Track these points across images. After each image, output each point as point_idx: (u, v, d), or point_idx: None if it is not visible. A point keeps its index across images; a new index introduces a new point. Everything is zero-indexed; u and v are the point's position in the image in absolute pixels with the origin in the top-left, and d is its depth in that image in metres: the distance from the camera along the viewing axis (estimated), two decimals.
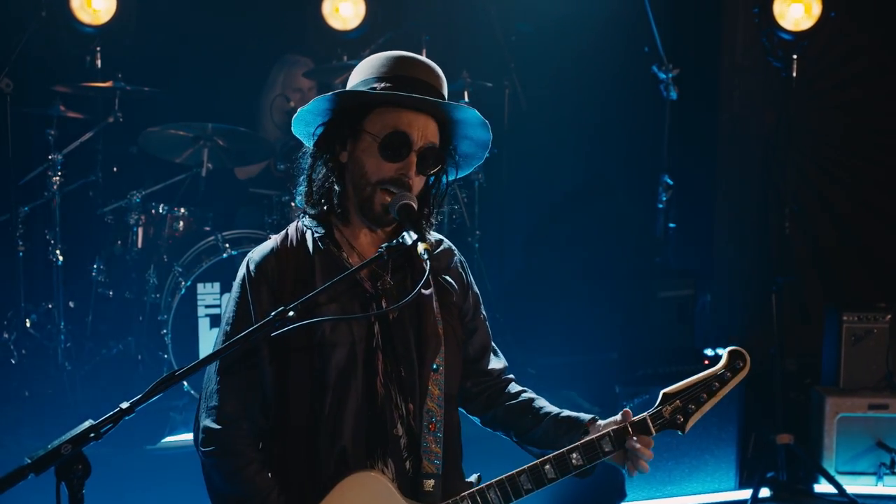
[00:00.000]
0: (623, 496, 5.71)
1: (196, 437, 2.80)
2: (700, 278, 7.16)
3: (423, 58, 2.85)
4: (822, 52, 7.00)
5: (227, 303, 2.88)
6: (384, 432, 2.74)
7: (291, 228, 2.91)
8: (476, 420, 3.09)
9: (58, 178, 6.19)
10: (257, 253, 2.89)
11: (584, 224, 7.56)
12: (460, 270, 3.02)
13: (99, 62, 6.68)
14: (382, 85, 2.74)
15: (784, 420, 6.17)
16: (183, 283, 5.83)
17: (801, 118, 6.86)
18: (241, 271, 2.87)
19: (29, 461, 2.20)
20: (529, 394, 3.04)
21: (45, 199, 6.29)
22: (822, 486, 6.05)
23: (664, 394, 2.81)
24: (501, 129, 7.03)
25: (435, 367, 2.81)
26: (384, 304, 2.79)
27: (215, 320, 5.87)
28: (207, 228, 6.22)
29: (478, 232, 6.83)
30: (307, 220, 2.88)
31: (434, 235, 2.98)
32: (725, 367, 2.84)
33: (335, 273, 2.70)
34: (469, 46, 7.40)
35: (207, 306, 5.86)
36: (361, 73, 2.84)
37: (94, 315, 6.39)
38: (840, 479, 5.95)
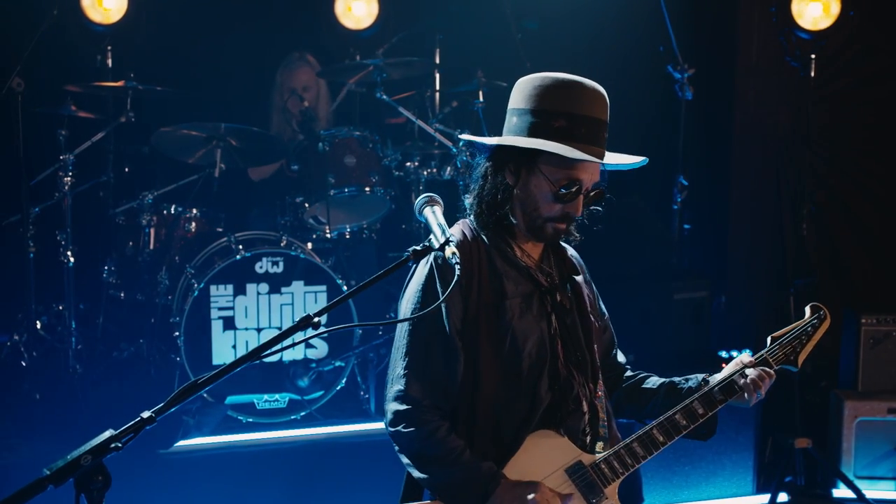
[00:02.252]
0: (640, 500, 5.65)
1: (385, 419, 3.00)
2: (715, 280, 7.11)
3: (592, 83, 2.98)
4: (839, 51, 6.93)
5: (413, 296, 2.98)
6: (566, 409, 2.99)
7: (465, 226, 3.06)
8: None
9: (69, 178, 6.14)
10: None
11: (599, 225, 7.49)
12: (587, 274, 3.29)
13: (110, 61, 6.64)
14: (559, 124, 2.89)
15: (802, 424, 6.11)
16: (196, 284, 5.79)
17: (818, 118, 6.79)
18: (426, 269, 2.96)
19: (48, 472, 2.14)
20: (642, 373, 3.32)
21: (56, 200, 6.24)
22: (841, 491, 5.99)
23: (772, 337, 3.24)
24: None
25: (595, 348, 3.12)
26: (558, 297, 3.05)
27: (228, 322, 5.83)
28: (220, 229, 6.19)
29: None
30: (475, 223, 3.07)
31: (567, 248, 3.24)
32: (812, 316, 3.29)
33: (512, 269, 3.00)
34: (483, 45, 7.32)
35: (220, 308, 5.82)
36: (531, 100, 2.95)
37: (106, 317, 6.35)
38: (859, 483, 5.88)
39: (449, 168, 6.43)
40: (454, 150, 6.33)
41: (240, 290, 5.86)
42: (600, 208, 3.07)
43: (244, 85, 7.08)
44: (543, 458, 2.93)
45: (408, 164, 6.56)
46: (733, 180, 7.57)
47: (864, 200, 7.36)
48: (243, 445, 5.57)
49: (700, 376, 3.18)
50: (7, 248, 6.45)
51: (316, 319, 2.43)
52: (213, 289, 5.81)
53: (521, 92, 2.99)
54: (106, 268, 6.34)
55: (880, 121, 7.25)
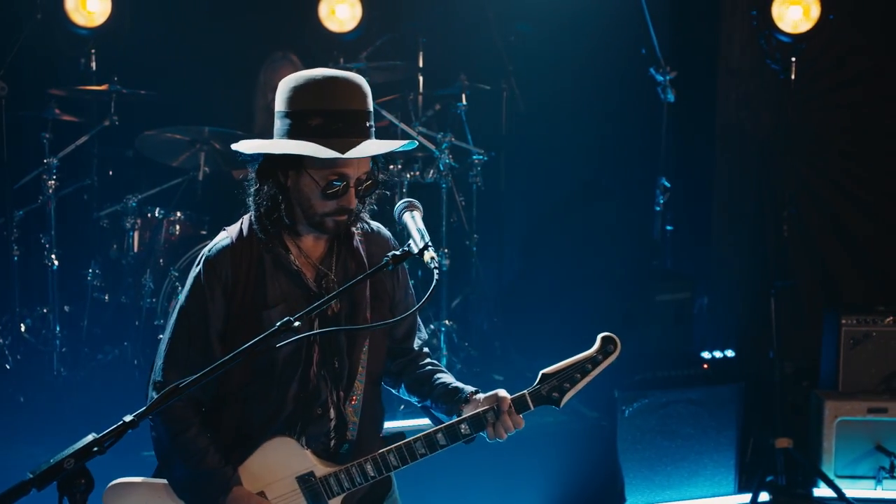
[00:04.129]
0: (622, 501, 5.69)
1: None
2: (697, 281, 7.15)
3: (346, 76, 2.93)
4: (820, 54, 6.97)
5: (183, 294, 3.08)
6: (310, 415, 3.03)
7: (246, 223, 3.05)
8: (393, 391, 3.35)
9: (53, 181, 6.16)
10: (213, 250, 3.04)
11: (582, 227, 7.53)
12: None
13: (94, 65, 6.65)
14: (316, 122, 2.85)
15: (783, 424, 6.16)
16: (180, 287, 5.80)
17: (799, 121, 6.84)
18: (197, 268, 3.04)
19: (31, 476, 2.17)
20: (434, 366, 3.27)
21: (40, 203, 6.26)
22: (822, 490, 6.03)
23: (543, 374, 3.06)
24: (499, 133, 7.01)
25: (365, 350, 3.07)
26: (329, 305, 3.01)
27: None
28: (204, 232, 6.20)
29: (476, 236, 6.79)
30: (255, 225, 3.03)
31: (371, 224, 3.15)
32: (598, 350, 3.07)
33: (282, 273, 2.98)
34: (466, 49, 7.37)
35: None
36: (288, 102, 2.92)
37: (90, 320, 6.36)
38: (839, 483, 5.92)
39: (432, 171, 6.45)
40: (437, 153, 6.35)
41: None
42: (387, 192, 3.06)
43: (228, 88, 7.08)
44: (278, 463, 3.02)
45: (391, 166, 6.58)
46: (715, 182, 7.60)
47: (845, 202, 7.40)
48: None
49: (470, 390, 3.10)
50: None
51: (297, 324, 2.47)
52: None
53: (281, 95, 2.96)
54: (90, 271, 6.35)
55: (860, 123, 7.29)
